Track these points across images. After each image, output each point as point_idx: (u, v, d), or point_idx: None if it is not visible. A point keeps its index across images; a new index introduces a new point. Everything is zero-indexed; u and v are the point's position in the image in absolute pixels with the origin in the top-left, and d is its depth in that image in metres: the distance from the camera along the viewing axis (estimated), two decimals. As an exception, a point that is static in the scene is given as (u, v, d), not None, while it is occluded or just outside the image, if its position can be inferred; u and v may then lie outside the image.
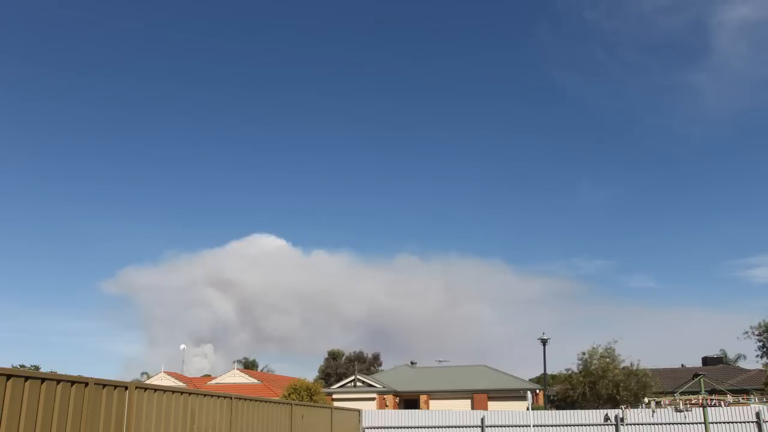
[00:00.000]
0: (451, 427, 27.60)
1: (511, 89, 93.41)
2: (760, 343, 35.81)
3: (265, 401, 15.43)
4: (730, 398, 26.32)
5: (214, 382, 51.56)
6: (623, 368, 36.58)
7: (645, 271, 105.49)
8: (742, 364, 55.50)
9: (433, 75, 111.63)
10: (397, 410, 37.82)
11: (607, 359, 37.02)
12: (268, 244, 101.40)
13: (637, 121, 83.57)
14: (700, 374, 32.14)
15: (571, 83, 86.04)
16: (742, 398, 27.41)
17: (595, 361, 37.36)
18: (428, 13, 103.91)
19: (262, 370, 71.59)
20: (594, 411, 27.47)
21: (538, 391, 44.54)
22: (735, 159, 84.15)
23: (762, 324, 35.57)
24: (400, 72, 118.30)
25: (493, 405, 41.86)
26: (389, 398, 45.46)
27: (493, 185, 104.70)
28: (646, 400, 27.93)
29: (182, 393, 11.41)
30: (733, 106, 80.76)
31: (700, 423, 25.35)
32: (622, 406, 28.29)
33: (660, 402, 27.05)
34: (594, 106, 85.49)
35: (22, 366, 45.11)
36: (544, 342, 38.59)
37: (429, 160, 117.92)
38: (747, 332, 36.00)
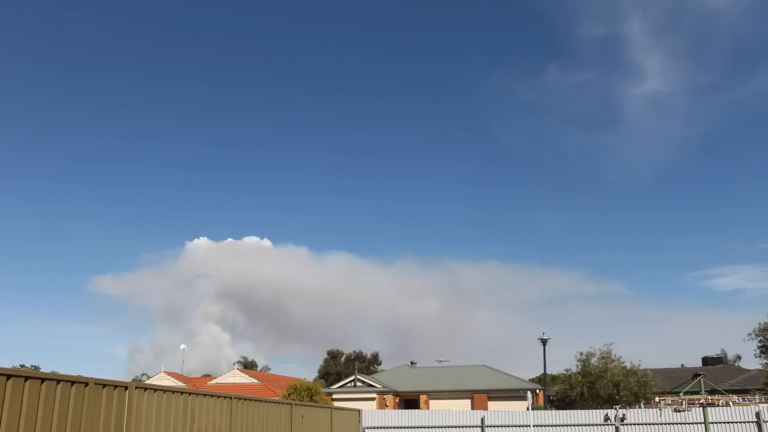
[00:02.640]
0: (451, 427, 27.60)
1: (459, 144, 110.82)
2: (761, 344, 35.86)
3: (265, 401, 15.42)
4: (736, 398, 26.27)
5: (214, 382, 51.57)
6: (622, 368, 36.63)
7: (616, 280, 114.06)
8: (743, 364, 55.60)
9: (426, 78, 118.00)
10: (397, 410, 37.82)
11: (605, 360, 37.09)
12: (253, 244, 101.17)
13: (573, 167, 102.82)
14: (700, 374, 32.09)
15: (510, 139, 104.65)
16: (742, 398, 27.35)
17: (593, 361, 37.41)
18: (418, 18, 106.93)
19: (262, 370, 71.61)
20: (594, 411, 27.46)
21: (538, 391, 44.55)
22: (662, 195, 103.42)
23: (762, 325, 35.64)
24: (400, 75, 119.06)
25: (493, 405, 41.87)
26: (389, 398, 45.47)
27: (474, 195, 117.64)
28: (656, 399, 27.87)
29: (182, 393, 11.41)
30: (650, 158, 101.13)
31: (700, 423, 25.35)
32: (617, 406, 28.30)
33: (660, 402, 27.02)
34: (534, 156, 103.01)
35: (22, 366, 45.13)
36: (544, 342, 38.61)
37: (427, 163, 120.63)
38: (750, 334, 36.09)
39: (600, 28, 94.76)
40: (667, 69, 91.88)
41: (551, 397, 42.87)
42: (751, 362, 48.16)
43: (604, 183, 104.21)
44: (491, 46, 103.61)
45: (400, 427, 27.90)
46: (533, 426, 26.63)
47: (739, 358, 55.62)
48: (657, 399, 27.92)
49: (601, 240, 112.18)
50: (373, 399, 44.77)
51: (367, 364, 73.05)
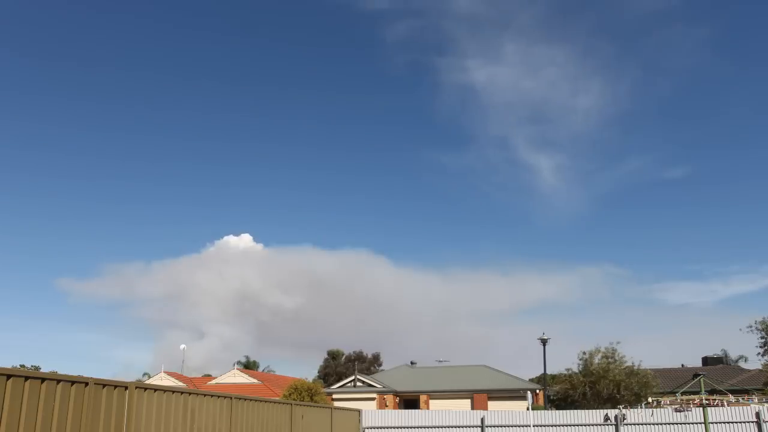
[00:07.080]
0: (451, 427, 27.60)
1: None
2: (762, 340, 35.74)
3: (265, 401, 15.44)
4: (731, 398, 26.26)
5: (214, 382, 51.58)
6: (624, 368, 36.59)
7: (575, 293, 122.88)
8: (743, 364, 55.52)
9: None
10: (397, 410, 37.82)
11: (609, 359, 37.03)
12: (242, 243, 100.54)
13: (504, 222, 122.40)
14: (700, 374, 32.05)
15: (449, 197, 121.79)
16: (743, 398, 27.34)
17: (595, 361, 37.37)
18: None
19: (262, 371, 71.59)
20: (594, 411, 27.45)
21: (538, 391, 44.54)
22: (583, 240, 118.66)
23: (764, 320, 35.54)
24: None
25: (493, 405, 41.86)
26: (389, 398, 45.47)
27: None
28: (649, 399, 27.86)
29: (182, 393, 11.42)
30: (566, 214, 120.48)
31: (700, 423, 25.35)
32: (620, 406, 28.28)
33: (660, 402, 27.01)
34: (476, 211, 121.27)
35: (22, 366, 45.11)
36: (544, 342, 38.63)
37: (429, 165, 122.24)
38: (750, 326, 35.94)
39: (496, 132, 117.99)
40: (554, 162, 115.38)
41: (551, 397, 42.86)
42: (752, 361, 48.14)
43: (532, 230, 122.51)
44: (418, 135, 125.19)
45: (400, 427, 27.90)
46: (533, 426, 26.64)
47: (745, 359, 55.50)
48: (650, 399, 27.88)
49: (544, 269, 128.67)
50: (373, 399, 44.77)
51: (368, 364, 73.04)
